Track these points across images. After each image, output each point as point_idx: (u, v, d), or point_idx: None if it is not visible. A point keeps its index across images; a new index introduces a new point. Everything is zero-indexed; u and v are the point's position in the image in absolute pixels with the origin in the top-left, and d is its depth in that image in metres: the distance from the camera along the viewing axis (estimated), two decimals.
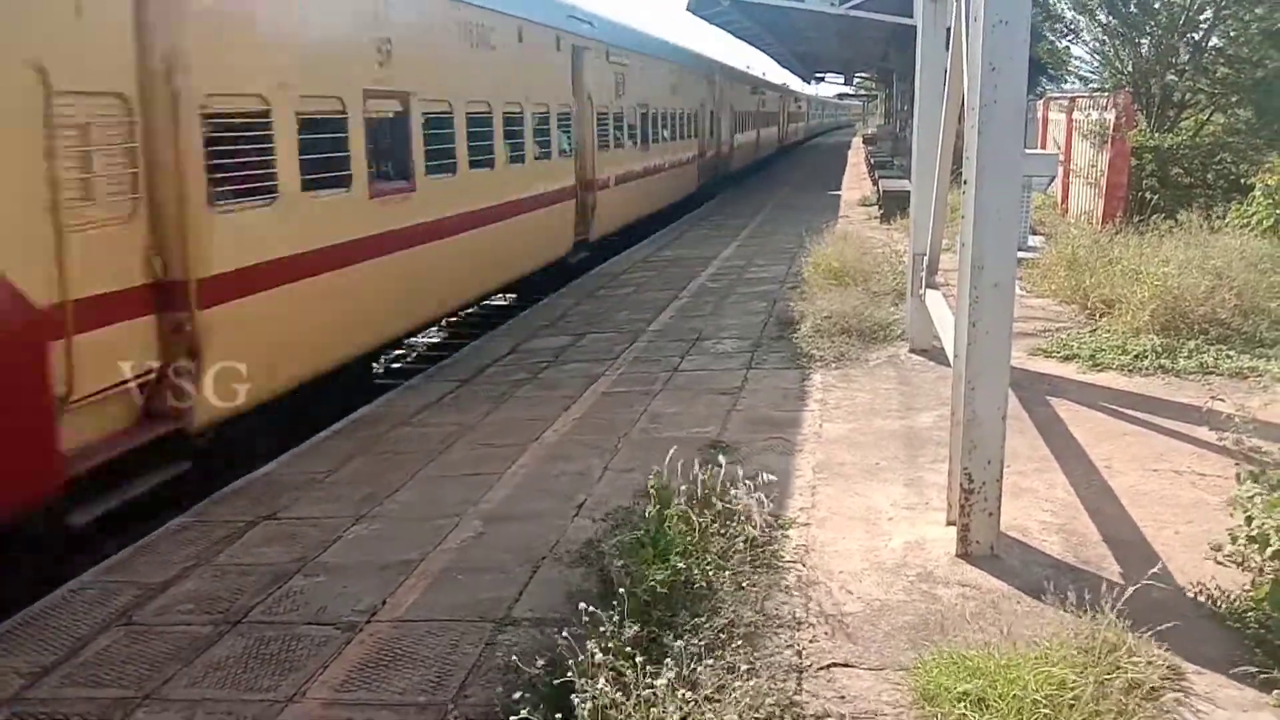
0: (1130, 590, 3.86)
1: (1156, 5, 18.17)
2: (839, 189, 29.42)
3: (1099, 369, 8.18)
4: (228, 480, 6.80)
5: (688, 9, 26.95)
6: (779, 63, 55.42)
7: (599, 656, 3.43)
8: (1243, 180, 14.89)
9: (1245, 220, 12.58)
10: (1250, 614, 4.10)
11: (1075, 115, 17.10)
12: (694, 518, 4.94)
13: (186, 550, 5.67)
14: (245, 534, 5.86)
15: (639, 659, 3.47)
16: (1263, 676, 3.72)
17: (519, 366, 9.65)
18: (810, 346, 9.34)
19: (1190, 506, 5.41)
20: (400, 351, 12.35)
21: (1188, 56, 18.27)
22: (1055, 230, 14.92)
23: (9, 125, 5.36)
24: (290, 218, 7.72)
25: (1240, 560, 4.58)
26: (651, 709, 3.33)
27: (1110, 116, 15.03)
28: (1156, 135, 16.97)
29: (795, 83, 69.21)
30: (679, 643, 3.73)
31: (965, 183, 4.85)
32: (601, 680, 3.34)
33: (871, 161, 33.33)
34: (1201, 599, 4.34)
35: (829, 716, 3.69)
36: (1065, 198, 17.93)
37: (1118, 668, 3.63)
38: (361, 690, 4.11)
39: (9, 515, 5.45)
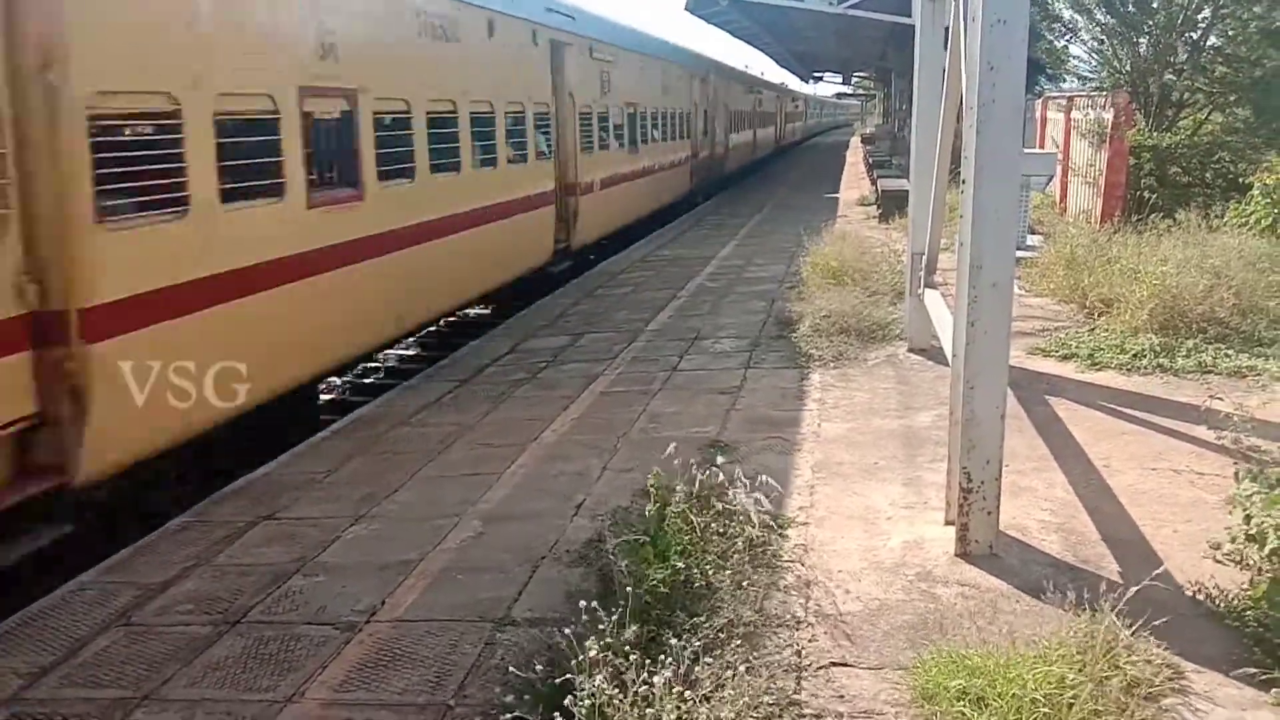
0: (1129, 589, 3.86)
1: (1155, 4, 18.20)
2: (837, 188, 29.42)
3: (1097, 368, 8.19)
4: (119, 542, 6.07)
5: (686, 9, 26.93)
6: (777, 62, 55.44)
7: (595, 652, 3.43)
8: (1241, 179, 14.91)
9: (1243, 219, 12.59)
10: (1249, 612, 4.10)
11: (1073, 114, 17.10)
12: (693, 517, 4.95)
13: (186, 550, 5.66)
14: (245, 534, 5.85)
15: (637, 657, 3.47)
16: (1262, 675, 3.72)
17: (518, 366, 9.65)
18: (809, 346, 9.35)
19: (1189, 505, 5.41)
20: (374, 365, 11.68)
21: (1186, 55, 18.30)
22: (1054, 229, 14.92)
23: None
24: (206, 234, 6.76)
25: (1239, 559, 4.59)
26: (649, 708, 3.33)
27: (1108, 116, 15.03)
28: (1155, 134, 16.99)
29: (793, 82, 69.27)
30: (677, 641, 3.74)
31: (964, 182, 4.86)
32: (599, 678, 3.34)
33: (870, 161, 33.33)
34: (1200, 598, 4.34)
35: (828, 715, 3.69)
36: (1064, 197, 17.93)
37: (1117, 667, 3.64)
38: (361, 690, 4.11)
39: None
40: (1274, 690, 3.64)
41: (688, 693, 3.41)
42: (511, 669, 3.84)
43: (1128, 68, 18.98)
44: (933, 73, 8.31)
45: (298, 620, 4.73)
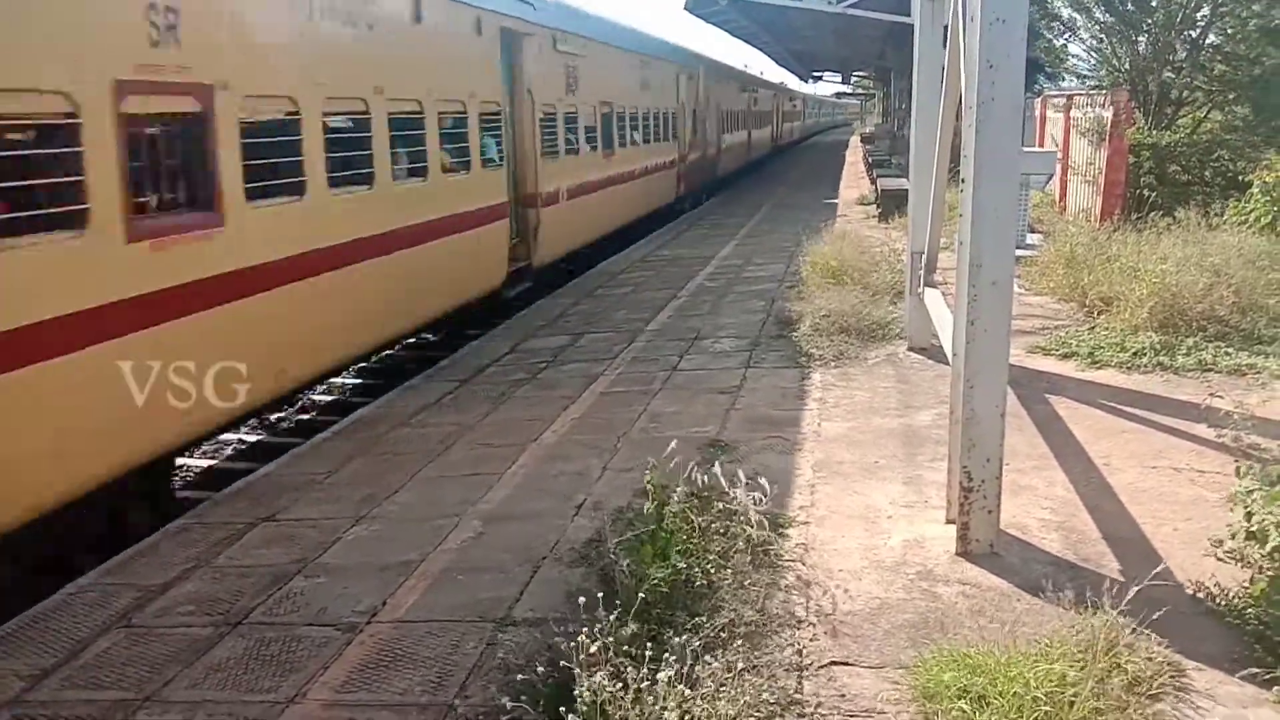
0: (1130, 588, 3.86)
1: (1154, 3, 18.20)
2: (836, 188, 29.43)
3: (1097, 366, 8.19)
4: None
5: (685, 8, 26.95)
6: (776, 62, 55.45)
7: (594, 649, 3.43)
8: (1240, 177, 14.90)
9: (1243, 217, 12.59)
10: (1250, 610, 4.10)
11: (1073, 113, 17.11)
12: (693, 517, 4.95)
13: (186, 552, 5.67)
14: (245, 535, 5.86)
15: (639, 654, 3.47)
16: (1263, 674, 3.72)
17: (518, 366, 9.65)
18: (809, 345, 9.35)
19: (1189, 503, 5.42)
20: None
21: (1185, 54, 18.30)
22: (1053, 228, 14.93)
23: None
24: None
25: (1240, 557, 4.58)
26: (651, 706, 3.33)
27: (1108, 114, 15.03)
28: (1154, 133, 16.98)
29: (792, 81, 69.26)
30: (678, 639, 3.74)
31: (963, 181, 4.86)
32: (599, 675, 3.34)
33: (869, 160, 33.32)
34: (1201, 596, 4.34)
35: (829, 714, 3.69)
36: (1063, 195, 17.94)
37: (1118, 665, 3.64)
38: (362, 691, 4.11)
39: None
40: (1275, 688, 3.64)
41: (689, 691, 3.41)
42: (513, 668, 3.84)
43: (1127, 66, 18.98)
44: (932, 71, 8.31)
45: (299, 621, 4.73)
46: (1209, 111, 18.78)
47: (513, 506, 6.00)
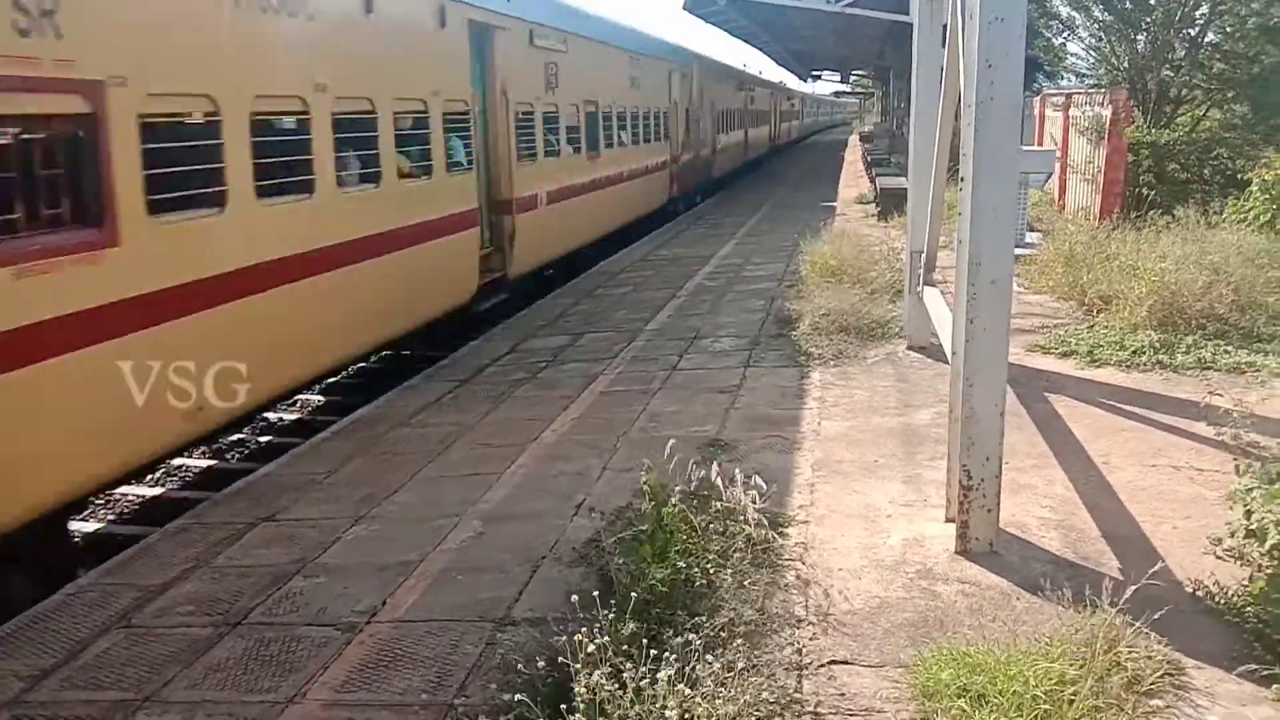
0: (1129, 586, 3.87)
1: (1152, 1, 18.22)
2: (836, 187, 29.44)
3: (1097, 365, 8.19)
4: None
5: (684, 8, 26.92)
6: (776, 61, 55.43)
7: (592, 648, 3.43)
8: (1239, 175, 14.93)
9: (1242, 215, 12.61)
10: (1249, 608, 4.10)
11: (1072, 112, 17.11)
12: (692, 516, 4.95)
13: (185, 552, 5.67)
14: (244, 535, 5.85)
15: (638, 654, 3.48)
16: (1262, 671, 3.72)
17: (518, 366, 9.65)
18: (808, 344, 9.35)
19: (1188, 502, 5.42)
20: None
21: (1184, 52, 18.34)
22: (1052, 227, 14.93)
23: None
24: None
25: (1239, 555, 4.58)
26: (651, 705, 3.33)
27: (1107, 113, 15.04)
28: (1153, 131, 17.02)
29: (791, 80, 69.24)
30: (678, 639, 3.74)
31: (962, 180, 4.86)
32: (597, 674, 3.34)
33: (868, 159, 33.32)
34: (1200, 594, 4.34)
35: (829, 714, 3.69)
36: (1062, 194, 17.94)
37: (1117, 663, 3.64)
38: (362, 691, 4.11)
39: None
40: (1275, 686, 3.64)
41: (688, 690, 3.41)
42: (518, 665, 3.84)
43: (1126, 64, 19.02)
44: (931, 71, 8.31)
45: (298, 621, 4.73)
46: (1208, 110, 18.82)
47: (512, 506, 6.00)
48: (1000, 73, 4.54)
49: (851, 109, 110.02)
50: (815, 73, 65.29)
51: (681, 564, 4.55)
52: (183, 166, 6.58)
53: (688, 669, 3.53)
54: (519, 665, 3.90)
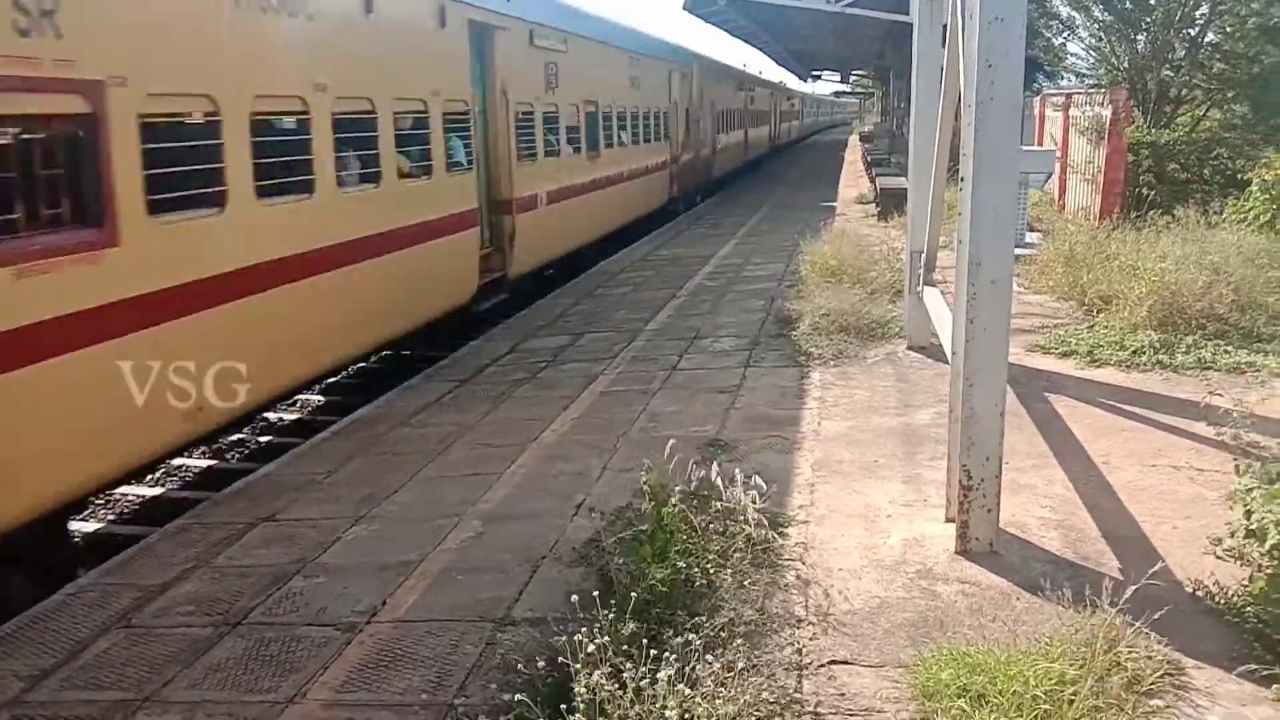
0: (1129, 586, 3.87)
1: (1152, 1, 18.22)
2: (836, 187, 29.44)
3: (1097, 365, 8.19)
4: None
5: (684, 8, 26.91)
6: (776, 61, 55.44)
7: (592, 648, 3.43)
8: (1239, 175, 14.94)
9: (1242, 215, 12.61)
10: (1249, 608, 4.11)
11: (1072, 111, 17.12)
12: (692, 516, 4.95)
13: (185, 552, 5.67)
14: (244, 535, 5.85)
15: (638, 654, 3.48)
16: (1262, 671, 3.72)
17: (518, 366, 9.66)
18: (808, 344, 9.35)
19: (1188, 501, 5.42)
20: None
21: (1184, 52, 18.34)
22: (1052, 227, 14.93)
23: None
24: None
25: (1239, 555, 4.58)
26: (651, 705, 3.33)
27: (1107, 112, 15.05)
28: (1153, 131, 17.02)
29: (791, 80, 69.24)
30: (678, 639, 3.74)
31: (962, 180, 4.86)
32: (597, 674, 3.34)
33: (868, 159, 33.31)
34: (1200, 594, 4.34)
35: (829, 713, 3.69)
36: (1062, 194, 17.95)
37: (1117, 663, 3.64)
38: (362, 691, 4.11)
39: None
40: (1274, 686, 3.64)
41: (688, 690, 3.41)
42: (518, 664, 3.84)
43: (1126, 64, 19.02)
44: (931, 71, 8.31)
45: (298, 621, 4.73)
46: (1208, 109, 18.82)
47: (512, 506, 6.01)
48: (1000, 73, 4.54)
49: (851, 109, 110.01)
50: (815, 73, 65.29)
51: (681, 564, 4.55)
52: (183, 166, 6.60)
53: (688, 669, 3.53)
54: (519, 665, 3.90)
